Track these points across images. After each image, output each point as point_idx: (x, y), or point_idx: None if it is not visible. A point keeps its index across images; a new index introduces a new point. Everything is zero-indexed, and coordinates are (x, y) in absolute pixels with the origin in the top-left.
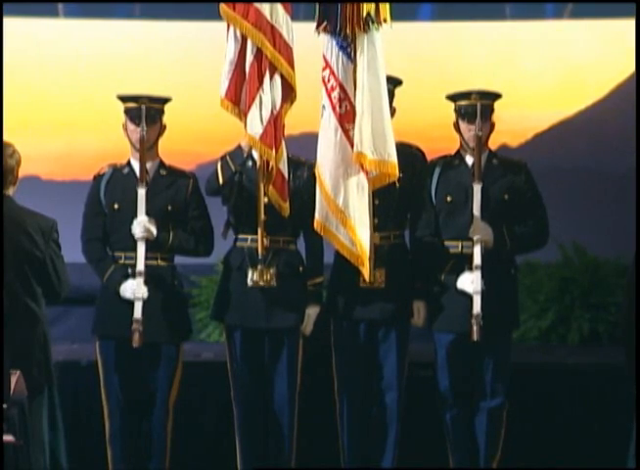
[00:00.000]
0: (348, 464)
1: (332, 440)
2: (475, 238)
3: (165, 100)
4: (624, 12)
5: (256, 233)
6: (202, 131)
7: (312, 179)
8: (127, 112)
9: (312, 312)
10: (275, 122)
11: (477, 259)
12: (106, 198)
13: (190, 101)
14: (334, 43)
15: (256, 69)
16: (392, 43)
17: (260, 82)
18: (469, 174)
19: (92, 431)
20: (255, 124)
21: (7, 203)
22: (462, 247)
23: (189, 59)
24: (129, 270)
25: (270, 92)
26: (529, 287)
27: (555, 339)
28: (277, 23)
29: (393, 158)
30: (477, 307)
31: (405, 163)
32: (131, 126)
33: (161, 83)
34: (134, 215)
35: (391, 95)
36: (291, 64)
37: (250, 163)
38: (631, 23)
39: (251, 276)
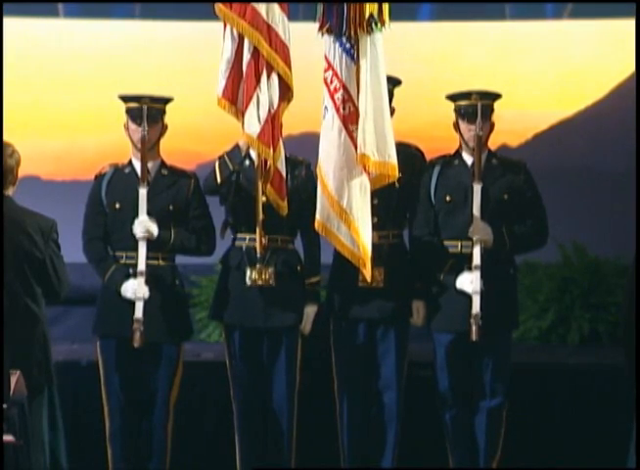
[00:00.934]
0: (348, 464)
1: (332, 440)
2: (474, 238)
3: (167, 100)
4: (624, 12)
5: (255, 232)
6: (201, 131)
7: (310, 178)
8: (129, 112)
9: (311, 311)
10: (272, 121)
11: (476, 259)
12: (107, 197)
13: (190, 101)
14: (337, 44)
15: (253, 68)
16: (392, 43)
17: (257, 81)
18: (468, 174)
19: (92, 431)
20: (253, 123)
21: (7, 203)
22: (461, 247)
23: (189, 59)
24: (130, 270)
25: (267, 91)
26: (529, 287)
27: (555, 339)
28: (273, 23)
29: (394, 159)
30: (476, 307)
31: (405, 162)
32: (133, 126)
33: (161, 83)
34: (135, 215)
35: (391, 95)
36: (287, 63)
37: (247, 162)
38: (631, 23)
39: (250, 275)
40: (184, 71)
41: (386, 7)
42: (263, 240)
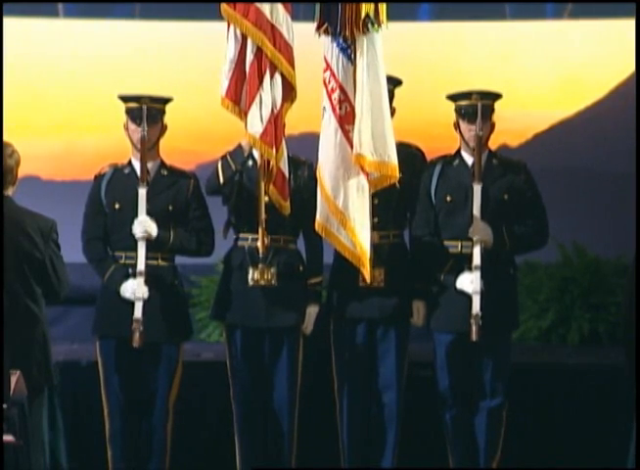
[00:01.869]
0: (348, 464)
1: (332, 440)
2: (474, 238)
3: (167, 100)
4: (624, 12)
5: (257, 232)
6: (201, 131)
7: (313, 179)
8: (128, 112)
9: (312, 312)
10: (275, 121)
11: (476, 259)
12: (106, 198)
13: (190, 101)
14: (334, 45)
15: (257, 68)
16: (392, 43)
17: (261, 81)
18: (469, 174)
19: (92, 431)
20: (256, 123)
21: (6, 203)
22: (461, 247)
23: (189, 59)
24: (130, 270)
25: (270, 91)
26: (529, 287)
27: (555, 339)
28: (277, 23)
29: (394, 159)
30: (476, 307)
31: (405, 162)
32: (132, 126)
33: (161, 83)
34: (135, 215)
35: (391, 95)
36: (291, 63)
37: (250, 162)
38: (631, 23)
39: (252, 275)
40: (184, 71)
41: (382, 7)
42: (266, 240)
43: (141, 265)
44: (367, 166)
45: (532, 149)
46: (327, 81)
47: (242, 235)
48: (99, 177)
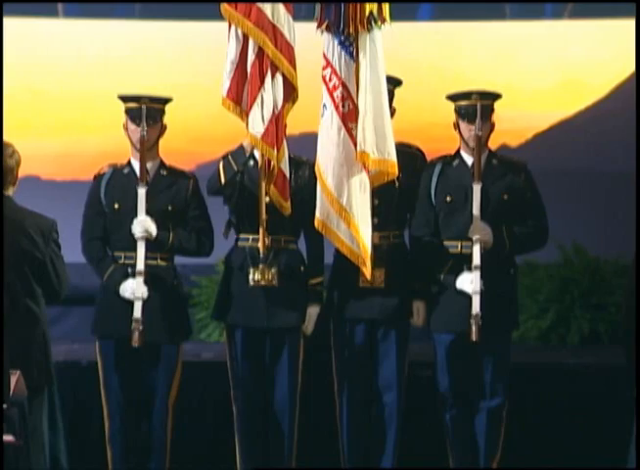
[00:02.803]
0: (348, 464)
1: (332, 440)
2: (474, 238)
3: (166, 100)
4: (624, 12)
5: (258, 233)
6: (201, 131)
7: (313, 179)
8: (128, 112)
9: (313, 312)
10: (276, 122)
11: (476, 260)
12: (106, 198)
13: (190, 101)
14: (335, 42)
15: (258, 68)
16: (392, 43)
17: (262, 81)
18: (468, 174)
19: (92, 431)
20: (257, 123)
21: (7, 203)
22: (461, 247)
23: (189, 59)
24: (129, 270)
25: (272, 91)
26: (529, 287)
27: (555, 339)
28: (278, 23)
29: (393, 156)
30: (476, 308)
31: (405, 162)
32: (132, 126)
33: (161, 83)
34: (134, 215)
35: (392, 95)
36: (292, 63)
37: (251, 162)
38: (631, 23)
39: (253, 276)
40: (184, 72)
41: (386, 5)
42: (266, 240)
43: (140, 265)
44: (370, 164)
45: (532, 149)
46: (327, 79)
47: (242, 235)
48: (98, 177)
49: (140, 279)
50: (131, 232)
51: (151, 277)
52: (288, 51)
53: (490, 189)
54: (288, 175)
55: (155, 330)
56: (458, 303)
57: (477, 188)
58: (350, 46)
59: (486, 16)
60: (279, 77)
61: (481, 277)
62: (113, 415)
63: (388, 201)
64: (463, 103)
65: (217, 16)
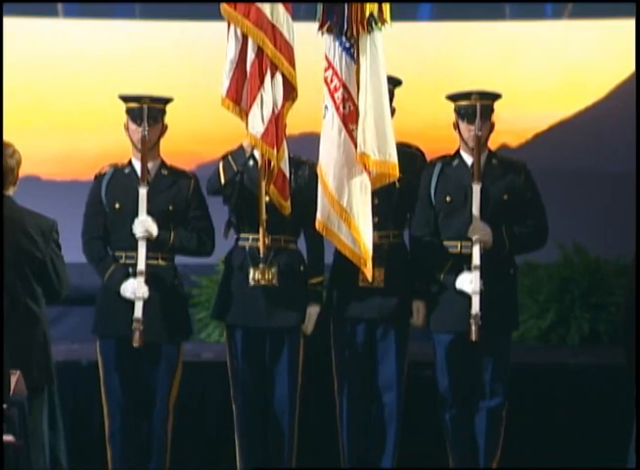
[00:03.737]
0: (348, 464)
1: (332, 440)
2: (474, 238)
3: (167, 100)
4: (624, 12)
5: (258, 232)
6: (201, 131)
7: (313, 178)
8: (129, 112)
9: (313, 312)
10: (276, 121)
11: (475, 259)
12: (107, 197)
13: (190, 101)
14: (337, 44)
15: (257, 67)
16: (392, 43)
17: (261, 81)
18: (468, 174)
19: (92, 431)
20: (257, 123)
21: (7, 203)
22: (461, 247)
23: (189, 59)
24: (130, 270)
25: (271, 91)
26: (529, 287)
27: (555, 339)
28: (278, 23)
29: (394, 158)
30: (475, 307)
31: (405, 163)
32: (133, 126)
33: (161, 83)
34: (135, 215)
35: (391, 95)
36: (291, 63)
37: (251, 162)
38: (631, 23)
39: (253, 275)
40: (184, 72)
41: (386, 6)
42: (266, 240)
43: (141, 265)
44: (371, 166)
45: (532, 149)
46: (329, 80)
47: (242, 235)
48: (99, 177)
49: (141, 279)
50: (132, 232)
51: (151, 277)
52: (287, 51)
53: (490, 189)
54: (288, 175)
55: (155, 330)
56: (458, 303)
57: (476, 188)
58: (351, 48)
59: (486, 16)
60: (278, 77)
61: (481, 277)
62: (113, 415)
63: (387, 200)
64: (463, 103)
65: (217, 15)
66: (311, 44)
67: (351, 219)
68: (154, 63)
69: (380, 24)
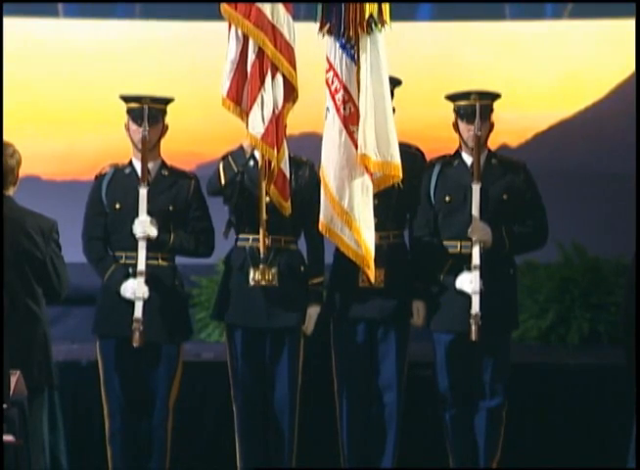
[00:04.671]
0: (348, 464)
1: (332, 440)
2: (473, 238)
3: (168, 100)
4: (624, 12)
5: (258, 233)
6: (202, 132)
7: (314, 179)
8: (130, 112)
9: (313, 312)
10: (277, 122)
11: (475, 259)
12: (107, 198)
13: (190, 101)
14: (337, 45)
15: (258, 68)
16: (392, 43)
17: (262, 82)
18: (468, 174)
19: (92, 431)
20: (257, 124)
21: (7, 203)
22: (461, 247)
23: (189, 59)
24: (130, 270)
25: (272, 91)
26: (529, 287)
27: (555, 339)
28: (278, 23)
29: (397, 159)
30: (475, 307)
31: (405, 163)
32: (133, 126)
33: (162, 83)
34: (135, 215)
35: (391, 95)
36: (292, 63)
37: (251, 163)
38: (631, 23)
39: (253, 276)
40: (184, 72)
41: (386, 7)
42: (266, 240)
43: (141, 265)
44: (371, 167)
45: (532, 149)
46: (330, 82)
47: (242, 235)
48: (99, 177)
49: (141, 279)
50: (132, 232)
51: (151, 277)
52: (287, 51)
53: (490, 189)
54: (288, 175)
55: (155, 330)
56: (458, 302)
57: (476, 188)
58: (352, 49)
59: (486, 16)
60: (279, 77)
61: (481, 277)
62: (113, 415)
63: (387, 201)
64: (462, 103)
65: (217, 16)
66: (312, 45)
67: (352, 221)
68: (154, 63)
69: (380, 26)
